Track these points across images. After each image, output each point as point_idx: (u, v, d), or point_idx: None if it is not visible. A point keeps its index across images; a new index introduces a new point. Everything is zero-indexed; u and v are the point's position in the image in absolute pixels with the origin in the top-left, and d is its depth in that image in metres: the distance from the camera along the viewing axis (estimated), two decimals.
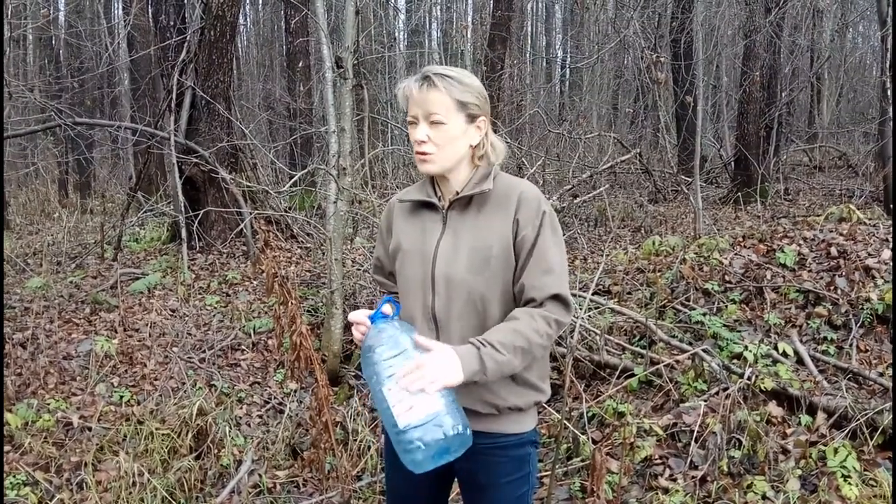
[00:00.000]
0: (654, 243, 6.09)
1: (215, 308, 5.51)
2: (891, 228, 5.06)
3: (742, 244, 5.23)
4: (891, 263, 4.41)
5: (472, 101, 1.72)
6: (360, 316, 1.73)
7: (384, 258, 1.94)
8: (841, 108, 17.43)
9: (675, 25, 11.55)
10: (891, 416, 3.11)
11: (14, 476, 3.25)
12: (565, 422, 3.31)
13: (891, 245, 4.66)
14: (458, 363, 1.54)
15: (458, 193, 1.76)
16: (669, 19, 12.19)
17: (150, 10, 8.24)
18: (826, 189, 10.90)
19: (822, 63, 15.10)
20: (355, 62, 4.53)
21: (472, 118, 1.73)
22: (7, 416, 3.66)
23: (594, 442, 3.31)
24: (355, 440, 3.68)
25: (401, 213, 1.86)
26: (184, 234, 6.50)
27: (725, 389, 3.40)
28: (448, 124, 1.70)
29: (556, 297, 1.67)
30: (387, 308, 1.70)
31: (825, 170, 13.02)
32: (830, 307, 4.25)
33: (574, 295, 3.86)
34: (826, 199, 9.89)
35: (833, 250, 4.74)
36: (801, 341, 4.05)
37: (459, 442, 1.56)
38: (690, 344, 4.10)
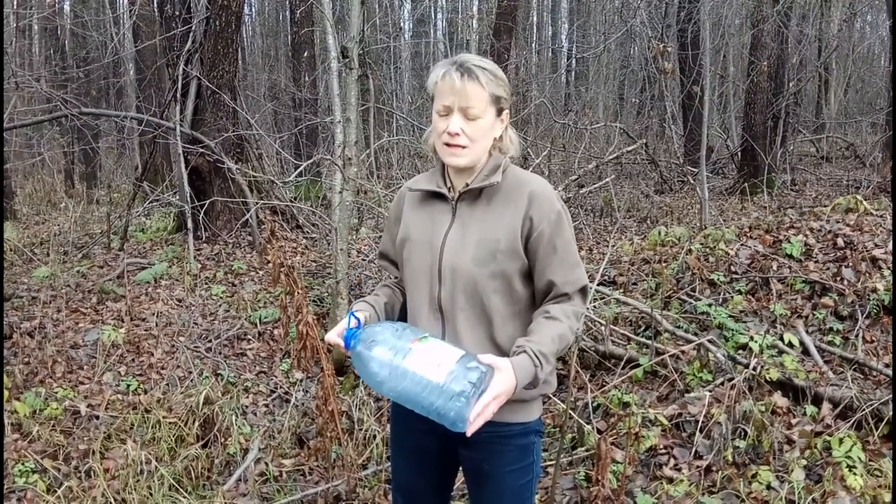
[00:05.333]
0: (659, 234, 6.08)
1: (221, 298, 5.53)
2: None
3: (748, 235, 5.22)
4: None
5: (504, 96, 1.72)
6: (335, 339, 1.71)
7: (389, 248, 1.94)
8: (849, 98, 17.31)
9: (683, 15, 11.48)
10: None
11: (22, 464, 3.28)
12: (570, 411, 3.32)
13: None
14: (515, 382, 1.55)
15: (467, 185, 1.75)
16: (676, 9, 12.11)
17: (155, 0, 8.23)
18: (833, 180, 10.85)
19: (829, 53, 14.98)
20: (360, 52, 4.52)
21: (500, 112, 1.74)
22: (15, 404, 3.69)
23: (599, 432, 3.32)
24: (361, 429, 3.69)
25: (410, 203, 1.85)
26: (190, 224, 6.51)
27: (731, 380, 3.40)
28: (483, 118, 1.69)
29: (584, 289, 1.74)
30: (354, 321, 1.69)
31: (832, 160, 12.96)
32: (837, 298, 4.24)
33: None
34: (833, 190, 9.84)
35: (840, 241, 4.72)
36: (806, 332, 4.04)
37: (489, 376, 1.55)
38: (696, 334, 4.09)
